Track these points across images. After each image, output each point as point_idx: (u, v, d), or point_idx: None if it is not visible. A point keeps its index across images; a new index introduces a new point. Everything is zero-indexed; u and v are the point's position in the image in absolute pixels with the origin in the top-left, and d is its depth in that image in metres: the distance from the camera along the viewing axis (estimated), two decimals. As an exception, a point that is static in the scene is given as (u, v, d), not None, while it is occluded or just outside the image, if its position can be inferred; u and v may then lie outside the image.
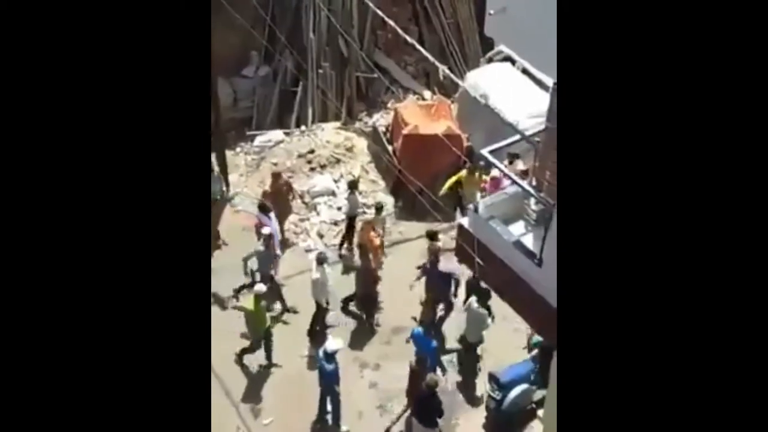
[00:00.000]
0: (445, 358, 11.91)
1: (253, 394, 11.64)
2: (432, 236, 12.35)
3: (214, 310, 12.43)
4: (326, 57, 16.46)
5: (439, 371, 11.36)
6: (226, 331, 11.79)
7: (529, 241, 7.34)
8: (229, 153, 15.06)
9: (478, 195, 9.52)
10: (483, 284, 10.09)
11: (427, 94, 17.18)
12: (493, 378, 11.13)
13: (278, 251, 12.76)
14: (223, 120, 14.59)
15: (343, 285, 12.96)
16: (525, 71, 14.32)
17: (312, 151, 15.51)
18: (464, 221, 7.88)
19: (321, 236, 14.09)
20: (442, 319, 12.37)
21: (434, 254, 12.18)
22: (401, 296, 12.70)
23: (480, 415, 11.38)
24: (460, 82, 14.46)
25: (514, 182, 7.52)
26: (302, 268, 13.02)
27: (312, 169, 15.27)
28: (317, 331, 12.36)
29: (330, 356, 10.58)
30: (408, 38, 11.40)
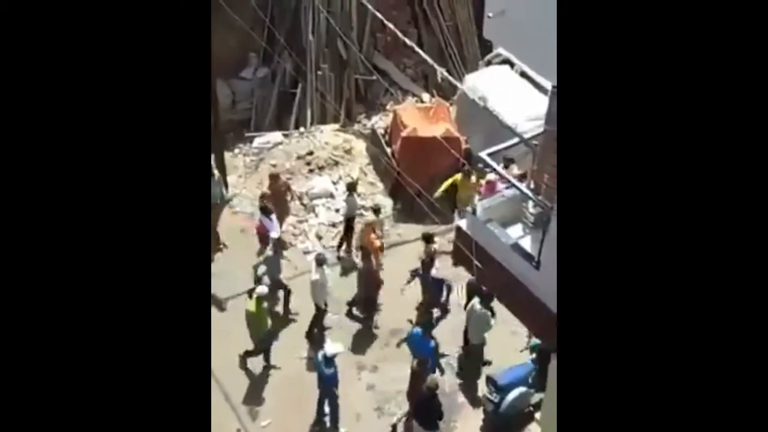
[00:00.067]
0: (442, 360, 11.91)
1: (251, 396, 11.64)
2: (428, 239, 12.36)
3: (213, 311, 12.44)
4: (325, 59, 16.46)
5: (437, 372, 11.37)
6: (225, 332, 11.79)
7: (527, 243, 7.36)
8: (227, 154, 15.05)
9: (476, 198, 9.51)
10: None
11: (425, 96, 17.19)
12: (490, 381, 11.14)
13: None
14: (222, 121, 14.59)
15: (341, 287, 12.96)
16: (523, 74, 14.33)
17: (311, 153, 15.51)
18: (462, 224, 7.89)
19: (319, 238, 14.10)
20: (436, 322, 12.37)
21: (429, 257, 12.20)
22: (399, 299, 12.71)
23: (478, 417, 11.37)
24: (458, 85, 14.47)
25: (512, 185, 7.54)
26: (301, 269, 13.01)
27: (310, 171, 15.28)
28: (316, 333, 12.36)
29: (329, 360, 10.57)
30: (407, 41, 11.40)
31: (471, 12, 17.48)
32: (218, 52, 13.33)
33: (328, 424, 11.17)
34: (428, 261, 12.17)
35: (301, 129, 16.36)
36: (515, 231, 7.55)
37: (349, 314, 12.71)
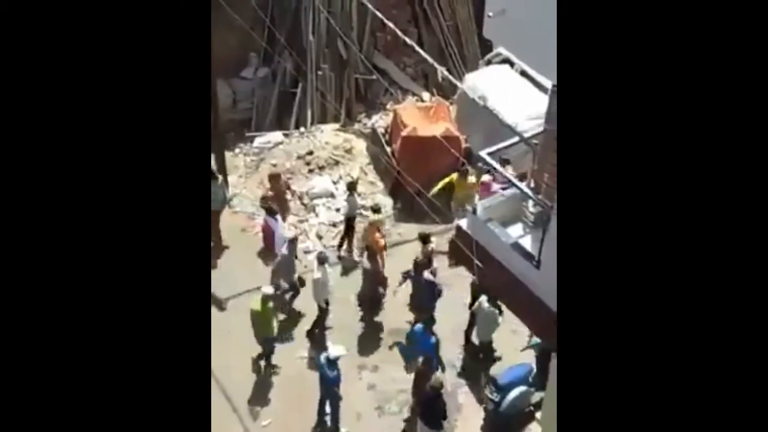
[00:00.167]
0: (447, 360, 11.94)
1: (252, 396, 11.64)
2: (424, 239, 12.36)
3: (213, 311, 12.44)
4: (325, 59, 16.46)
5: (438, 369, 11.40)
6: (225, 332, 11.79)
7: (527, 243, 7.36)
8: (228, 154, 15.05)
9: (476, 197, 9.52)
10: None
11: (425, 95, 17.18)
12: (491, 380, 11.14)
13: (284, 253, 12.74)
14: (222, 121, 14.59)
15: (343, 286, 12.95)
16: (524, 73, 14.33)
17: (311, 153, 15.51)
18: (462, 223, 7.89)
19: (320, 237, 14.10)
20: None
21: (427, 257, 12.21)
22: (400, 299, 12.71)
23: (478, 416, 11.38)
24: (458, 84, 14.47)
25: (511, 184, 7.54)
26: (301, 269, 13.02)
27: (311, 171, 15.28)
28: (317, 332, 12.37)
29: (332, 363, 10.56)
30: (407, 40, 11.39)
31: (471, 11, 17.47)
32: (219, 51, 13.33)
33: (328, 424, 11.17)
34: (425, 262, 12.17)
35: (302, 129, 16.36)
36: (515, 230, 7.55)
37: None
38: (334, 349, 10.71)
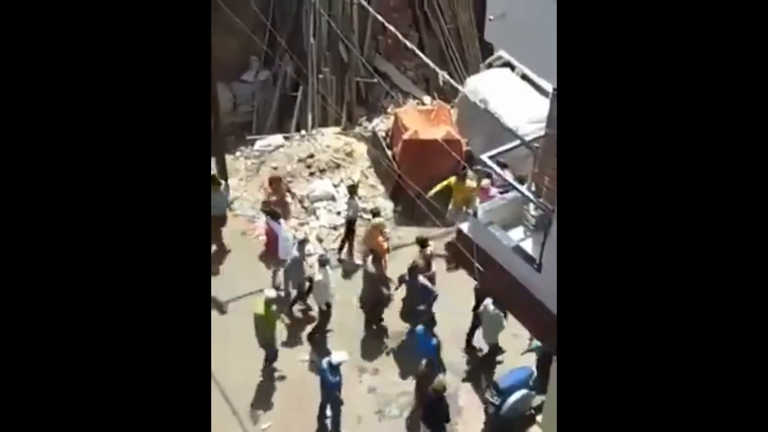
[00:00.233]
0: (447, 363, 11.92)
1: (252, 399, 11.62)
2: (422, 243, 12.34)
3: (214, 314, 12.43)
4: (326, 62, 16.47)
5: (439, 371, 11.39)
6: (226, 335, 11.79)
7: (528, 246, 7.35)
8: (228, 157, 15.06)
9: (477, 201, 9.52)
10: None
11: (426, 99, 17.19)
12: (492, 383, 11.13)
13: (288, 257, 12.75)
14: (223, 124, 14.60)
15: (344, 289, 12.94)
16: (524, 77, 14.34)
17: (312, 156, 15.51)
18: (463, 226, 7.89)
19: (320, 240, 14.09)
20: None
21: (427, 261, 12.20)
22: (399, 302, 12.69)
23: (479, 419, 11.37)
24: (459, 88, 14.48)
25: (513, 188, 7.54)
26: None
27: (311, 174, 15.28)
28: (318, 335, 12.36)
29: (335, 368, 10.53)
30: (408, 43, 11.40)
31: (472, 15, 17.48)
32: (219, 55, 13.35)
33: (329, 428, 11.15)
34: (422, 266, 12.17)
35: (302, 132, 16.37)
36: (517, 234, 7.55)
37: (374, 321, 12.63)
38: (336, 355, 10.69)
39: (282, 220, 13.08)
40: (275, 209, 13.15)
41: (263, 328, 11.33)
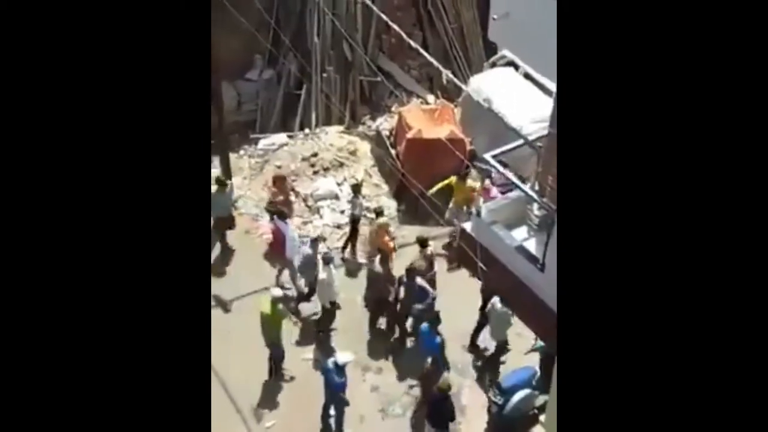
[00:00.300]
0: (453, 362, 11.94)
1: (255, 397, 11.63)
2: (423, 243, 12.33)
3: (218, 313, 12.45)
4: (330, 61, 16.47)
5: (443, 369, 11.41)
6: (230, 334, 11.81)
7: (531, 246, 7.35)
8: (232, 156, 15.06)
9: (481, 201, 9.51)
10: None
11: (430, 98, 17.18)
12: (495, 383, 11.14)
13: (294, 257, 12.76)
14: (227, 123, 14.60)
15: (348, 287, 12.94)
16: (528, 76, 14.32)
17: (315, 155, 15.52)
18: (467, 226, 7.89)
19: (324, 239, 14.10)
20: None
21: (429, 261, 12.20)
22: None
23: (482, 419, 11.37)
24: (463, 87, 14.47)
25: (517, 187, 7.53)
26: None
27: (315, 173, 15.29)
28: (322, 334, 12.37)
29: (340, 369, 10.51)
30: (412, 42, 11.42)
31: (476, 14, 17.47)
32: (223, 53, 13.38)
33: (333, 427, 11.16)
34: (427, 265, 12.17)
35: (306, 130, 16.37)
36: (520, 233, 7.55)
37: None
38: (342, 356, 10.65)
39: (289, 221, 13.07)
40: (282, 209, 13.16)
41: (270, 327, 11.30)
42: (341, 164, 15.45)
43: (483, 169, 12.37)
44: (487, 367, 12.04)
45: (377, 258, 12.35)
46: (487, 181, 12.38)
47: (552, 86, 7.89)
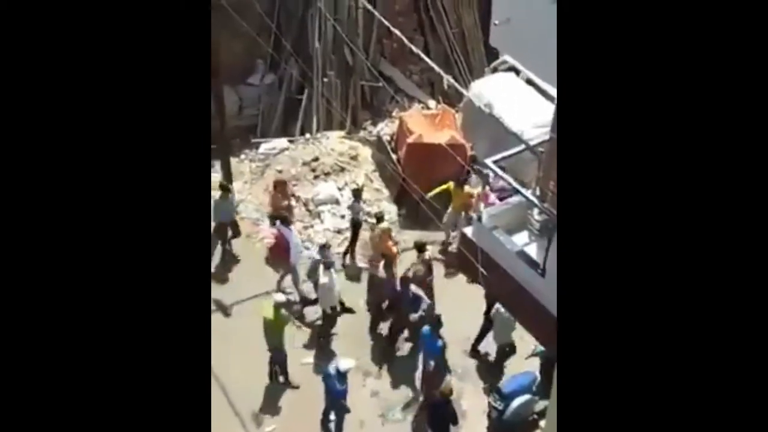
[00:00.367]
0: (453, 367, 11.92)
1: (255, 401, 11.62)
2: (420, 248, 12.32)
3: (218, 317, 12.45)
4: (331, 66, 16.50)
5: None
6: (230, 338, 11.81)
7: (532, 251, 7.34)
8: (233, 160, 15.08)
9: (482, 205, 9.52)
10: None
11: (431, 103, 17.21)
12: (495, 388, 11.12)
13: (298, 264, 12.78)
14: (228, 127, 14.62)
15: (349, 292, 12.94)
16: (529, 81, 14.34)
17: (316, 159, 15.53)
18: (468, 230, 7.88)
19: (329, 246, 14.08)
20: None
21: (428, 266, 12.20)
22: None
23: (482, 424, 11.35)
24: (464, 92, 14.48)
25: (518, 192, 7.53)
26: (303, 274, 13.03)
27: (316, 177, 15.30)
28: (322, 339, 12.36)
29: (342, 375, 10.47)
30: (413, 48, 11.44)
31: (477, 19, 17.50)
32: (225, 58, 13.40)
33: (332, 430, 11.15)
34: (425, 270, 12.16)
35: (307, 135, 16.39)
36: (521, 238, 7.54)
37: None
38: (344, 362, 10.60)
39: (293, 227, 13.07)
40: (285, 215, 13.16)
41: (272, 332, 11.29)
42: (342, 169, 15.46)
43: (483, 174, 12.41)
44: (493, 371, 12.00)
45: (381, 263, 12.34)
46: (485, 188, 12.41)
47: (553, 91, 7.89)
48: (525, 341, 11.62)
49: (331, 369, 10.56)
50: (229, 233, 13.70)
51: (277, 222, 13.06)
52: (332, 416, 11.05)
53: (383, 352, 12.31)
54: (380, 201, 14.92)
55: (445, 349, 11.46)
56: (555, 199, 6.81)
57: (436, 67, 11.20)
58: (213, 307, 12.58)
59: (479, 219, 7.67)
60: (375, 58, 17.15)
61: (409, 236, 14.11)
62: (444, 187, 13.31)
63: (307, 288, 12.71)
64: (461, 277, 12.57)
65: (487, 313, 11.92)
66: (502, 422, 10.98)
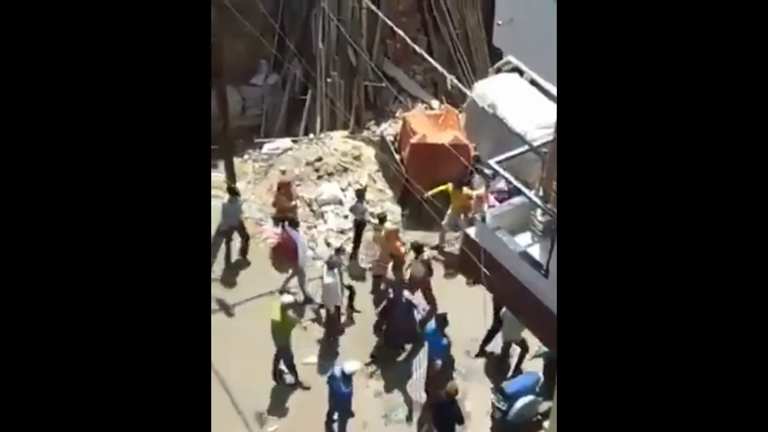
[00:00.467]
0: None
1: (258, 401, 11.62)
2: (417, 249, 12.29)
3: (222, 317, 12.45)
4: (335, 66, 16.50)
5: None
6: (234, 338, 11.81)
7: (535, 252, 7.34)
8: (237, 160, 15.08)
9: (485, 206, 9.50)
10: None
11: (435, 103, 17.19)
12: (499, 389, 11.11)
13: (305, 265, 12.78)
14: (232, 127, 14.62)
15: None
16: (533, 82, 14.31)
17: (320, 159, 15.53)
18: (471, 231, 7.88)
19: (328, 244, 14.10)
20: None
21: (427, 267, 12.18)
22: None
23: (486, 424, 11.34)
24: (468, 92, 14.46)
25: (521, 193, 7.52)
26: (310, 275, 13.03)
27: (319, 177, 15.30)
28: (326, 339, 12.36)
29: (347, 378, 10.43)
30: (416, 48, 11.42)
31: (480, 19, 17.48)
32: (228, 58, 13.41)
33: None
34: (426, 271, 12.15)
35: (311, 135, 16.39)
36: (524, 239, 7.53)
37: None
38: (349, 365, 10.57)
39: (300, 229, 13.07)
40: (292, 216, 13.16)
41: (279, 333, 11.29)
42: (345, 169, 15.46)
43: (486, 174, 12.40)
44: (499, 368, 11.97)
45: (390, 264, 12.29)
46: (482, 190, 12.39)
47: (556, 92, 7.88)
48: (528, 342, 11.63)
49: (337, 371, 10.52)
50: (236, 238, 13.62)
51: (285, 223, 13.04)
52: (335, 416, 11.04)
53: (379, 355, 12.25)
54: (383, 201, 14.91)
55: (449, 349, 11.43)
56: (558, 200, 6.80)
57: (440, 68, 11.17)
58: (216, 306, 12.59)
59: (483, 219, 7.67)
60: (378, 58, 17.14)
61: (413, 237, 14.09)
62: (442, 188, 13.29)
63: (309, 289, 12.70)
64: (461, 278, 12.59)
65: (496, 313, 11.89)
66: (505, 423, 10.97)
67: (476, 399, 11.69)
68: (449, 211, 13.44)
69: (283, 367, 11.75)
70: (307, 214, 14.47)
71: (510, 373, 11.88)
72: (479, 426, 11.36)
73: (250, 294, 12.87)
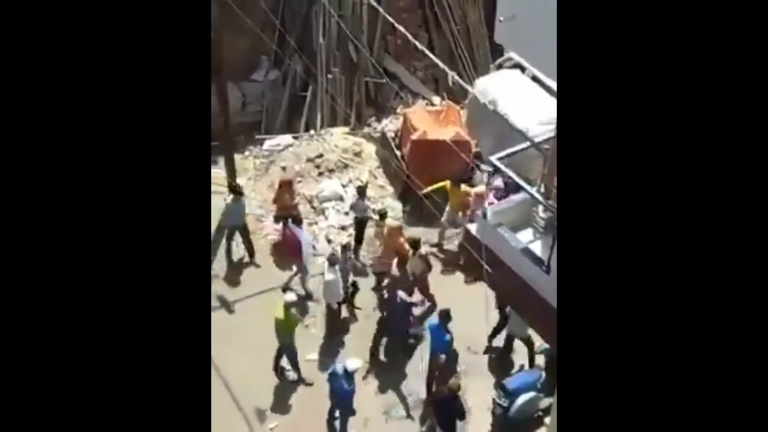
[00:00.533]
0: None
1: (259, 398, 11.62)
2: (414, 245, 12.26)
3: (222, 314, 12.45)
4: (336, 62, 16.48)
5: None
6: (234, 335, 11.81)
7: (537, 248, 7.34)
8: (237, 157, 15.06)
9: (487, 203, 9.49)
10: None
11: (436, 99, 17.17)
12: (500, 385, 11.11)
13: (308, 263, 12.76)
14: (232, 124, 14.60)
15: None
16: (535, 78, 14.28)
17: (320, 156, 15.51)
18: (472, 227, 7.88)
19: (329, 241, 14.09)
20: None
21: (427, 263, 12.16)
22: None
23: (487, 421, 11.34)
24: (469, 88, 14.44)
25: (523, 189, 7.51)
26: (311, 272, 13.02)
27: (320, 174, 15.28)
28: (327, 335, 12.36)
29: (350, 375, 10.43)
30: (417, 44, 11.39)
31: (482, 15, 17.45)
32: (229, 54, 13.38)
33: (337, 429, 11.14)
34: (425, 266, 12.13)
35: (311, 132, 16.38)
36: (525, 235, 7.53)
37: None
38: (351, 362, 10.56)
39: (303, 226, 13.06)
40: (295, 214, 13.15)
41: (283, 331, 11.29)
42: (346, 165, 15.44)
43: (487, 171, 12.39)
44: (502, 363, 11.97)
45: (394, 261, 12.27)
46: (482, 188, 12.36)
47: (558, 88, 7.86)
48: (533, 339, 11.62)
49: (339, 369, 10.51)
50: (238, 237, 13.60)
51: (289, 221, 13.02)
52: (336, 414, 11.04)
53: (371, 355, 12.21)
54: (384, 198, 14.90)
55: (452, 343, 11.41)
56: (560, 197, 6.79)
57: (441, 64, 11.16)
58: (217, 303, 12.59)
59: (484, 216, 7.66)
60: (379, 54, 17.12)
61: (413, 233, 14.08)
62: (441, 184, 13.27)
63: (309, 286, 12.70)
64: (459, 275, 12.59)
65: (501, 309, 11.87)
66: (507, 419, 10.97)
67: (477, 395, 11.69)
68: (447, 208, 13.42)
69: (284, 363, 11.75)
70: (307, 210, 14.46)
71: (521, 370, 11.87)
72: (480, 422, 11.36)
73: (251, 291, 12.86)
